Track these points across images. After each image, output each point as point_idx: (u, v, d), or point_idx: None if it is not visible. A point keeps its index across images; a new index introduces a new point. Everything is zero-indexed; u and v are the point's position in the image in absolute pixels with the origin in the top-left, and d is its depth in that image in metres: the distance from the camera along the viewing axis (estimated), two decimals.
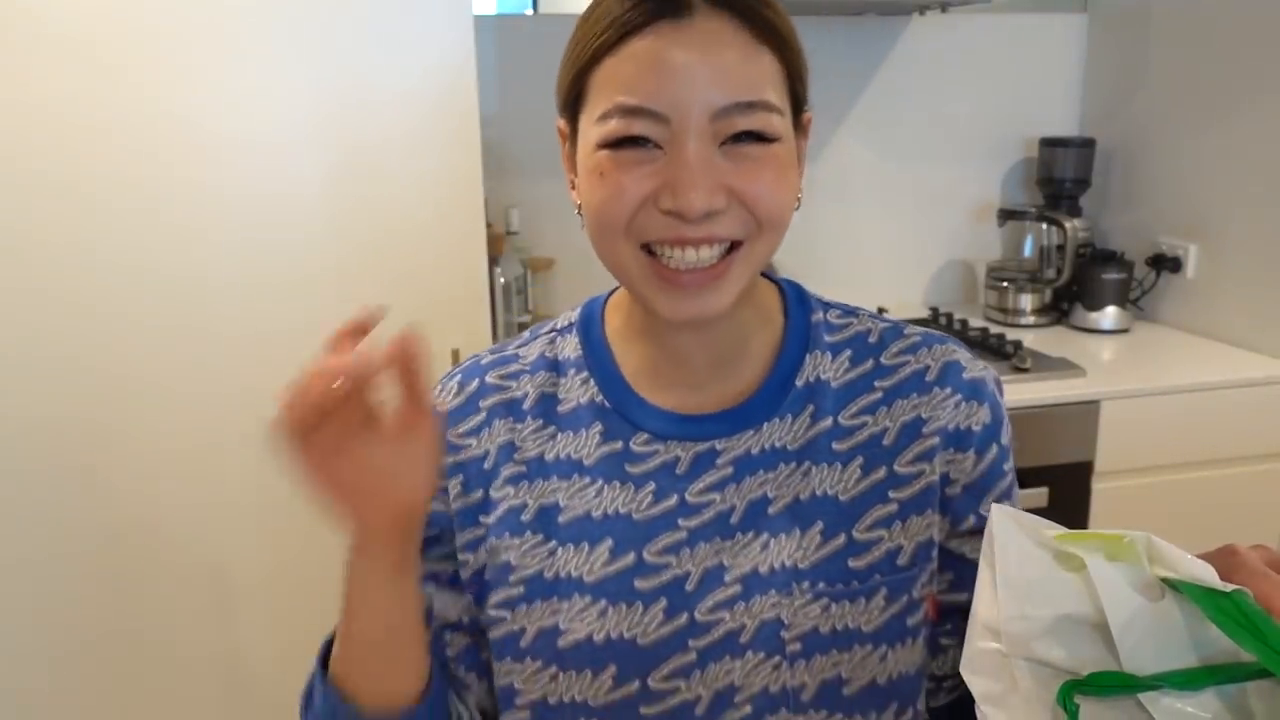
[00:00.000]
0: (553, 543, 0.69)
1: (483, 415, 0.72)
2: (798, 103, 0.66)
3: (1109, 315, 1.98)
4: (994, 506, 0.43)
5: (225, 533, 1.46)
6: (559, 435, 0.71)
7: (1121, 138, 2.09)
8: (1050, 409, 1.62)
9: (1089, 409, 1.64)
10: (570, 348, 0.74)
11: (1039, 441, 1.61)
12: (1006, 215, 2.13)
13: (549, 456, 0.70)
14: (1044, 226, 2.09)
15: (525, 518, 0.69)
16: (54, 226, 1.31)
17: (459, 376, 0.74)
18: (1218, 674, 0.38)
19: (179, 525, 1.44)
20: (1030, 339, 1.88)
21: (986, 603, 0.42)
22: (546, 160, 1.93)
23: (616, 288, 0.74)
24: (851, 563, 0.68)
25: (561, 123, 0.67)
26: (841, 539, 0.68)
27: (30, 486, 1.37)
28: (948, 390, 0.70)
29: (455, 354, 1.47)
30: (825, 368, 0.71)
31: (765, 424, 0.69)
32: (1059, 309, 2.07)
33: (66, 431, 1.37)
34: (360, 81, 1.37)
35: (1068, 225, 2.01)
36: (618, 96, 0.59)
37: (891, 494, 0.69)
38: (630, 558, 0.68)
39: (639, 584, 0.68)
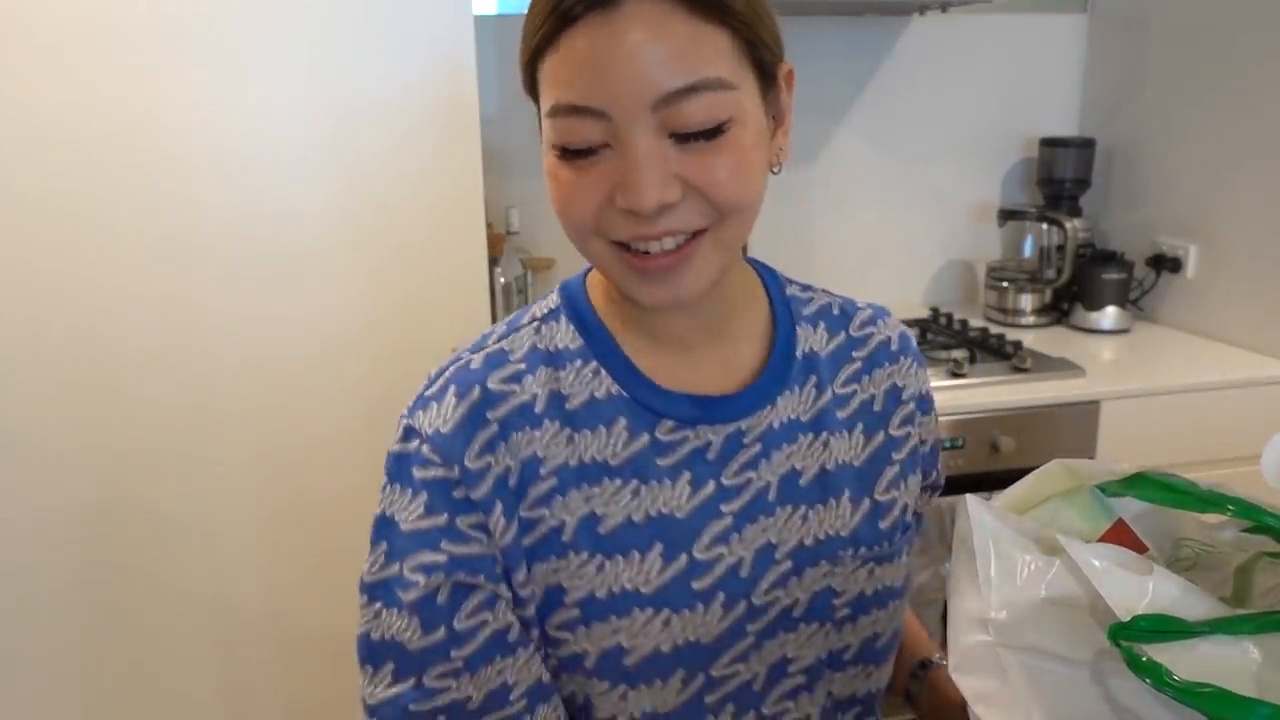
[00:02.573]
0: (599, 557, 0.65)
1: (495, 429, 0.64)
2: (764, 67, 0.61)
3: (1109, 315, 1.98)
4: (966, 496, 0.44)
5: (222, 526, 1.46)
6: (576, 436, 0.66)
7: (1121, 138, 2.09)
8: (1050, 409, 1.62)
9: (1089, 409, 1.64)
10: (564, 336, 0.69)
11: (1039, 441, 1.61)
12: (1006, 215, 2.13)
13: (573, 463, 0.65)
14: (1044, 226, 2.09)
15: (566, 537, 0.65)
16: (54, 224, 1.31)
17: (453, 387, 0.65)
18: (1255, 621, 0.38)
19: (174, 519, 1.44)
20: (1030, 339, 1.88)
21: (966, 595, 0.42)
22: None
23: (590, 267, 0.73)
24: (881, 524, 0.72)
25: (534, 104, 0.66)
26: (867, 503, 0.71)
27: (23, 479, 1.37)
28: (910, 359, 0.76)
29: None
30: (812, 339, 0.74)
31: (779, 398, 0.70)
32: (1059, 309, 2.07)
33: (62, 422, 1.37)
34: (360, 81, 1.37)
35: (1068, 225, 2.01)
36: (557, 94, 0.57)
37: (894, 456, 0.74)
38: (683, 560, 0.66)
39: (696, 585, 0.66)
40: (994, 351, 1.80)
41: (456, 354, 0.69)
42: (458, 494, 0.62)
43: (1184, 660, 0.37)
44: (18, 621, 1.41)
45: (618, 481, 0.66)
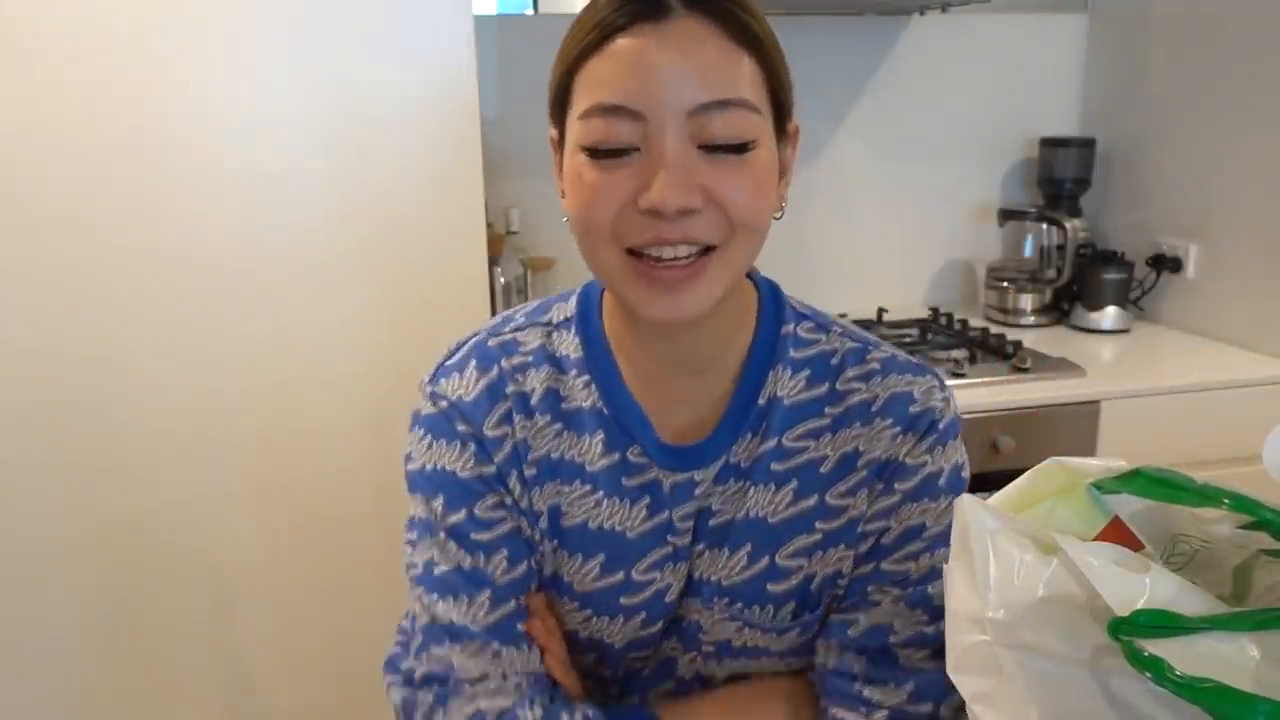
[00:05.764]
0: (555, 542, 0.72)
1: (508, 405, 0.71)
2: (780, 109, 0.66)
3: (1109, 315, 1.98)
4: (963, 496, 0.44)
5: (225, 529, 1.46)
6: (564, 433, 0.72)
7: (1121, 138, 2.09)
8: (1050, 409, 1.62)
9: (1089, 409, 1.64)
10: (569, 346, 0.73)
11: (1039, 441, 1.61)
12: (1006, 215, 2.13)
13: (554, 456, 0.72)
14: (1044, 226, 2.09)
15: (538, 519, 0.72)
16: (58, 231, 1.31)
17: (474, 360, 0.73)
18: (1254, 619, 0.38)
19: (178, 523, 1.44)
20: (1030, 339, 1.88)
21: (963, 596, 0.43)
22: (547, 160, 1.92)
23: None
24: (770, 586, 0.72)
25: (554, 132, 0.69)
26: (764, 562, 0.71)
27: (27, 485, 1.37)
28: (888, 422, 0.70)
29: None
30: (784, 384, 0.72)
31: (733, 446, 0.72)
32: (1059, 309, 2.07)
33: (66, 428, 1.37)
34: (360, 82, 1.37)
35: (1068, 225, 2.01)
36: (597, 96, 0.60)
37: (818, 524, 0.71)
38: (619, 576, 0.72)
39: (624, 600, 0.72)
40: (994, 351, 1.80)
41: (473, 332, 0.76)
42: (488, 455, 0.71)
43: (1184, 656, 0.36)
44: (19, 630, 1.41)
45: (587, 487, 0.72)
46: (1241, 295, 1.84)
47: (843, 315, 1.98)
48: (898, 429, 0.70)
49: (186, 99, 1.32)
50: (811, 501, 0.71)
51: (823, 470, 0.71)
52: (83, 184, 1.31)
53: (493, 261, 1.63)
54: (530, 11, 1.98)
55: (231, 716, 1.53)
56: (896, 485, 0.70)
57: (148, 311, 1.36)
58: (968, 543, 0.42)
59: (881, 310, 2.03)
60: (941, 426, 0.71)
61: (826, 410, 0.72)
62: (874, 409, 0.71)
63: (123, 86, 1.29)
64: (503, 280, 1.75)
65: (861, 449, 0.71)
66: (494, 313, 1.57)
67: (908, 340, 1.88)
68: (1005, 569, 0.41)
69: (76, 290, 1.34)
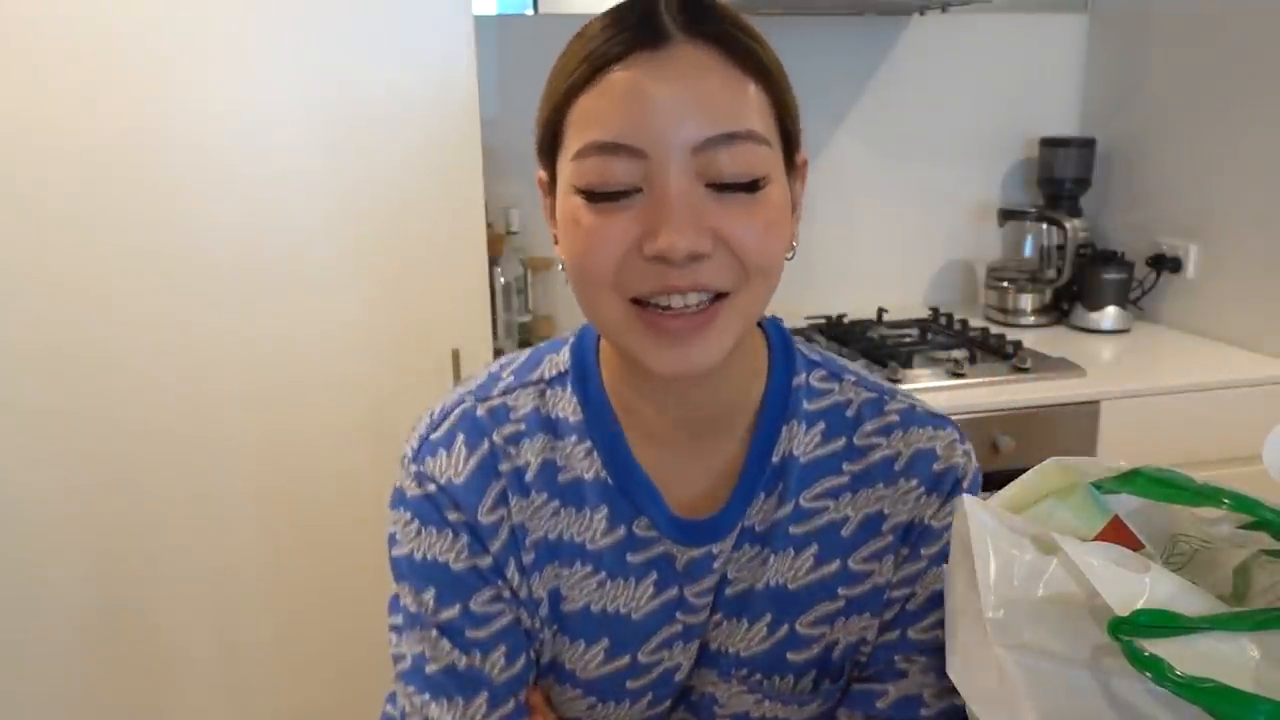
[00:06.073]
0: (555, 628, 0.68)
1: (502, 484, 0.65)
2: (789, 141, 0.61)
3: (1109, 315, 1.97)
4: (964, 498, 0.44)
5: (225, 530, 1.46)
6: (562, 511, 0.67)
7: (1121, 138, 2.09)
8: (1050, 409, 1.62)
9: (1089, 409, 1.63)
10: (566, 407, 0.67)
11: (1039, 441, 1.60)
12: (1006, 215, 2.13)
13: (552, 536, 0.67)
14: (1044, 226, 2.09)
15: (536, 604, 0.68)
16: (58, 231, 1.31)
17: (461, 435, 0.66)
18: (1253, 619, 0.38)
19: (178, 523, 1.44)
20: (1030, 339, 1.87)
21: (964, 595, 0.43)
22: None
23: None
24: (790, 655, 0.68)
25: (542, 173, 0.64)
26: (784, 630, 0.68)
27: (27, 486, 1.37)
28: (913, 482, 0.67)
29: (455, 354, 1.47)
30: (798, 440, 0.67)
31: (746, 509, 0.67)
32: (1059, 309, 2.07)
33: (66, 428, 1.37)
34: (360, 82, 1.37)
35: (1068, 225, 2.01)
36: (593, 133, 0.55)
37: (841, 590, 0.68)
38: (625, 660, 0.68)
39: (631, 684, 0.68)
40: (994, 351, 1.79)
41: (459, 395, 0.69)
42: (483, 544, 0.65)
43: (1184, 656, 0.37)
44: (19, 630, 1.41)
45: (588, 568, 0.67)
46: (1241, 295, 1.84)
47: (842, 315, 1.98)
48: (922, 489, 0.67)
49: (186, 99, 1.32)
50: (834, 567, 0.67)
51: (844, 533, 0.67)
52: (83, 184, 1.31)
53: (493, 261, 1.63)
54: (530, 11, 1.98)
55: (231, 717, 1.53)
56: (922, 550, 0.67)
57: (148, 312, 1.37)
58: (968, 543, 0.42)
59: (881, 310, 2.03)
60: (965, 485, 0.68)
61: (845, 467, 0.68)
62: (897, 467, 0.67)
63: (123, 86, 1.29)
64: (503, 280, 1.75)
65: (886, 511, 0.67)
66: (494, 313, 1.57)
67: (908, 340, 1.87)
68: (1005, 569, 0.41)
69: (76, 290, 1.34)
